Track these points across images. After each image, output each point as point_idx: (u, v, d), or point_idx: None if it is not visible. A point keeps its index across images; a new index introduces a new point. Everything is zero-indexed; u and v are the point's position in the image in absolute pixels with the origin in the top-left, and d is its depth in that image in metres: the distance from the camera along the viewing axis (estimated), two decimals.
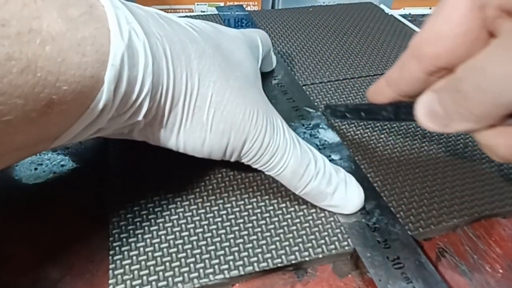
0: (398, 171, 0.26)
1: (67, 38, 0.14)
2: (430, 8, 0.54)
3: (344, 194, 0.22)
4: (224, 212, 0.23)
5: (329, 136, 0.28)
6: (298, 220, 0.22)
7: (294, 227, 0.22)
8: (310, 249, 0.21)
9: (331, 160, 0.26)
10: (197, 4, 0.49)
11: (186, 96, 0.19)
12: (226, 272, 0.20)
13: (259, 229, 0.22)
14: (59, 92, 0.14)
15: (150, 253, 0.20)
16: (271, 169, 0.21)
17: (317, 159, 0.22)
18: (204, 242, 0.21)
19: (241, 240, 0.21)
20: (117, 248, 0.21)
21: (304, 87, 0.33)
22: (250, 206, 0.23)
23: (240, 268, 0.20)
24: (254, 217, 0.22)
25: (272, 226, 0.22)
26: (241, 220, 0.22)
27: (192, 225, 0.22)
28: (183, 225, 0.22)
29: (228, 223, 0.22)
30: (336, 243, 0.21)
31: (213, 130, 0.20)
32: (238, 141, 0.20)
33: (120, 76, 0.16)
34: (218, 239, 0.21)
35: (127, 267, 0.20)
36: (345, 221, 0.22)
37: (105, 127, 0.18)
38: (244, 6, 0.47)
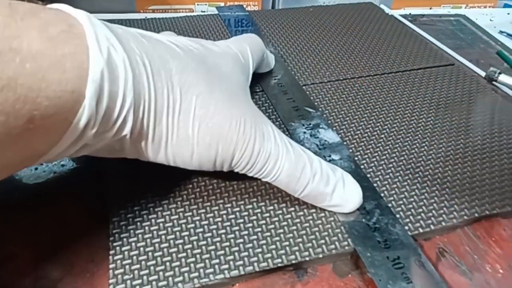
0: (397, 171, 0.26)
1: (47, 55, 0.15)
2: (430, 8, 0.54)
3: (342, 193, 0.22)
4: (224, 212, 0.23)
5: (329, 136, 0.28)
6: (298, 220, 0.22)
7: (294, 227, 0.22)
8: (310, 249, 0.21)
9: (331, 160, 0.26)
10: (197, 4, 0.49)
11: (169, 110, 0.19)
12: (226, 272, 0.20)
13: (259, 229, 0.22)
14: (40, 108, 0.15)
15: (150, 253, 0.20)
16: (266, 176, 0.21)
17: (312, 160, 0.22)
18: (204, 242, 0.21)
19: (241, 240, 0.21)
20: (117, 248, 0.21)
21: (304, 87, 0.33)
22: (251, 206, 0.23)
23: (241, 268, 0.20)
24: (254, 217, 0.22)
25: (272, 226, 0.22)
26: (241, 220, 0.22)
27: (192, 225, 0.22)
28: (183, 225, 0.22)
29: (228, 223, 0.22)
30: (336, 243, 0.21)
31: (200, 143, 0.20)
32: (227, 152, 0.20)
33: (101, 91, 0.16)
34: (218, 239, 0.21)
35: (127, 267, 0.20)
36: (345, 221, 0.22)
37: (92, 143, 0.18)
38: (244, 6, 0.47)
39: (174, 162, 0.21)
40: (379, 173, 0.26)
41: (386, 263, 0.20)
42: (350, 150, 0.27)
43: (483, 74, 0.38)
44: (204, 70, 0.21)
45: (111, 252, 0.20)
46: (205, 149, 0.20)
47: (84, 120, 0.16)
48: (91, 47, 0.16)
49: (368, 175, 0.25)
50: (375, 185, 0.25)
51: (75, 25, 0.16)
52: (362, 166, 0.26)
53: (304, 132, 0.28)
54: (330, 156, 0.26)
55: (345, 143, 0.28)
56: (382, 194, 0.24)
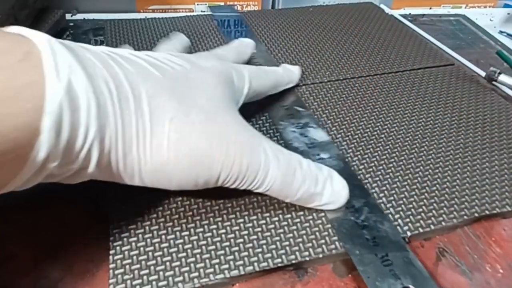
0: (397, 171, 0.26)
1: (0, 89, 0.14)
2: (430, 8, 0.54)
3: (331, 191, 0.22)
4: (225, 211, 0.23)
5: (319, 135, 0.28)
6: (298, 220, 0.22)
7: (295, 227, 0.22)
8: (310, 249, 0.21)
9: (320, 159, 0.26)
10: (197, 4, 0.49)
11: (139, 138, 0.18)
12: (226, 271, 0.20)
13: (259, 229, 0.22)
14: None
15: (150, 253, 0.20)
16: (258, 188, 0.21)
17: (302, 163, 0.22)
18: (205, 242, 0.21)
19: (242, 240, 0.21)
20: (117, 248, 0.21)
21: (304, 87, 0.33)
22: (251, 206, 0.23)
23: (241, 267, 0.20)
24: (255, 217, 0.22)
25: (273, 226, 0.22)
26: (242, 220, 0.22)
27: (193, 225, 0.22)
28: (183, 225, 0.22)
29: (229, 223, 0.22)
30: (336, 243, 0.21)
31: (178, 168, 0.19)
32: (209, 173, 0.20)
33: (60, 123, 0.15)
34: (219, 238, 0.21)
35: (127, 266, 0.20)
36: (334, 219, 0.22)
37: (58, 173, 0.17)
38: (245, 6, 0.47)
39: (153, 186, 0.20)
40: (379, 173, 0.26)
41: (375, 261, 0.20)
42: (342, 150, 0.27)
43: (483, 74, 0.38)
44: (181, 89, 0.20)
45: (111, 252, 0.20)
46: (185, 172, 0.19)
47: (43, 155, 0.15)
48: (48, 76, 0.15)
49: (364, 175, 0.25)
50: (374, 185, 0.25)
51: (33, 52, 0.15)
52: (362, 166, 0.26)
53: (294, 131, 0.28)
54: (319, 154, 0.26)
55: (336, 142, 0.28)
56: (382, 194, 0.24)
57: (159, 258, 0.20)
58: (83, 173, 0.18)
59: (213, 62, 0.24)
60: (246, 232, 0.22)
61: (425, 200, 0.24)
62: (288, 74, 0.32)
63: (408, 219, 0.23)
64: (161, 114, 0.19)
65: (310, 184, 0.21)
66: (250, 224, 0.22)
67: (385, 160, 0.27)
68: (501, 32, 0.49)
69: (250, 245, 0.21)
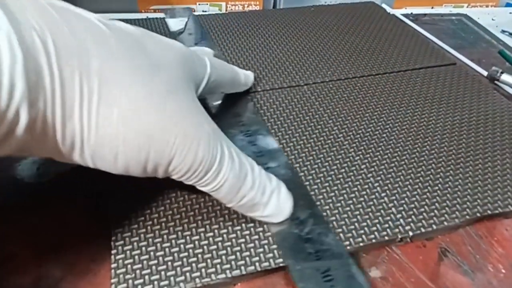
0: (399, 170, 0.26)
1: None
2: (432, 7, 0.54)
3: (277, 204, 0.21)
4: (227, 211, 0.23)
5: (268, 142, 0.27)
6: None
7: None
8: None
9: (268, 168, 0.25)
10: (199, 4, 0.49)
11: (83, 102, 0.15)
12: (228, 271, 0.20)
13: (261, 229, 0.22)
14: None
15: (152, 253, 0.20)
16: (206, 185, 0.19)
17: (253, 169, 0.21)
18: (206, 242, 0.21)
19: (243, 240, 0.21)
20: (119, 247, 0.21)
21: (306, 86, 0.33)
22: None
23: (242, 267, 0.20)
24: None
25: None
26: (243, 220, 0.22)
27: (194, 225, 0.22)
28: (185, 225, 0.22)
29: (230, 223, 0.22)
30: None
31: (127, 143, 0.17)
32: (162, 157, 0.17)
33: None
34: (220, 238, 0.21)
35: (129, 266, 0.20)
36: (278, 232, 0.21)
37: None
38: (246, 5, 0.47)
39: (94, 165, 0.17)
40: (377, 177, 0.26)
41: (316, 276, 0.19)
42: (291, 157, 0.27)
43: (485, 73, 0.38)
44: (138, 56, 0.18)
45: (113, 251, 0.20)
46: (134, 151, 0.17)
47: None
48: None
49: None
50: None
51: None
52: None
53: (242, 140, 0.27)
54: (267, 163, 0.25)
55: (286, 150, 0.28)
56: (383, 194, 0.24)
57: (160, 258, 0.20)
58: (12, 138, 0.15)
59: (174, 42, 0.22)
60: (248, 232, 0.22)
61: (427, 200, 0.24)
62: (244, 75, 0.30)
63: (410, 219, 0.23)
64: (114, 78, 0.16)
65: (257, 192, 0.20)
66: (252, 224, 0.22)
67: (387, 159, 0.27)
68: (503, 31, 0.48)
69: (252, 245, 0.21)
